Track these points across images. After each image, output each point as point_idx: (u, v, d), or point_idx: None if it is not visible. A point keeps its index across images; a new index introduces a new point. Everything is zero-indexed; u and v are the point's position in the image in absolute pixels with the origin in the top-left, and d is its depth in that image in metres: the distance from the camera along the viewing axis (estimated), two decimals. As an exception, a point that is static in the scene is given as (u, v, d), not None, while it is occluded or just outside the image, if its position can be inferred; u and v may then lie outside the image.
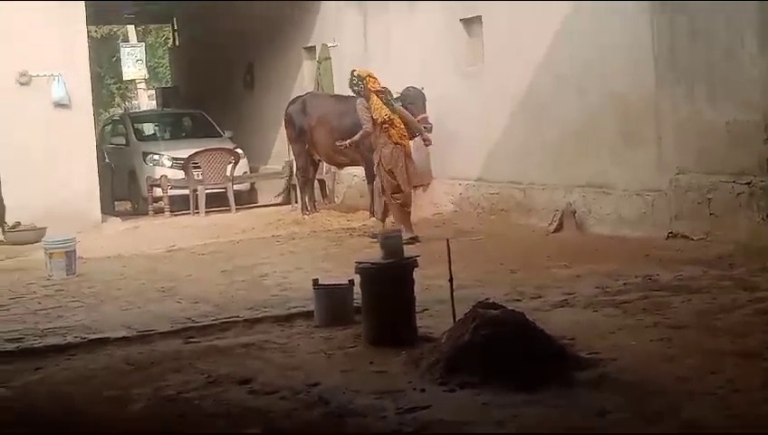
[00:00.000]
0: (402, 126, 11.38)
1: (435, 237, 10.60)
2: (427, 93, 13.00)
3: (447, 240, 6.36)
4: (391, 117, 11.29)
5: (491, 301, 5.92)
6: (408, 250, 6.89)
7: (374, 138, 11.38)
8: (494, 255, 9.88)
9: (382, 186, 11.39)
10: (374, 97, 11.35)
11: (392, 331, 6.16)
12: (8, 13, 14.00)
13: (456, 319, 5.83)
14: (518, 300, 7.35)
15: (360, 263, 6.49)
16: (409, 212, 11.44)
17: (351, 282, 6.97)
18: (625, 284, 7.74)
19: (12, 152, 12.03)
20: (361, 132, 11.47)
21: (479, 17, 12.82)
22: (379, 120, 11.24)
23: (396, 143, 11.25)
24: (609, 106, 10.70)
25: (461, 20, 13.18)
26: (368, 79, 11.44)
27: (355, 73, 11.59)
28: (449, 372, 5.21)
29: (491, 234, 11.31)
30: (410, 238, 10.53)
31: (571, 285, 7.89)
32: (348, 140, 11.94)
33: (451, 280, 6.17)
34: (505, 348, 5.18)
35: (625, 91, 10.46)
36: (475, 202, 12.91)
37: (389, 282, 6.26)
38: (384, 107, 11.32)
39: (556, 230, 11.05)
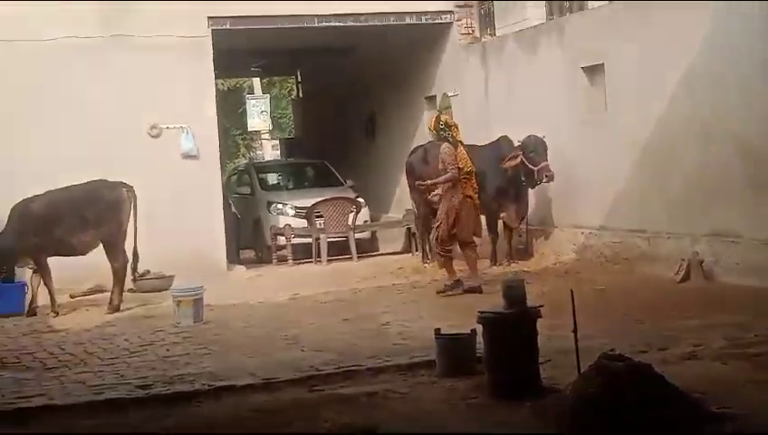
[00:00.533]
0: (475, 182, 11.68)
1: (557, 287, 10.49)
2: (549, 141, 12.96)
3: (572, 290, 6.28)
4: (474, 170, 11.58)
5: (617, 352, 5.83)
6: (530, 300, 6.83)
7: (447, 186, 11.48)
8: (618, 305, 9.72)
9: (439, 235, 11.58)
10: (461, 147, 11.55)
11: (516, 382, 6.11)
12: (141, 67, 14.52)
13: (581, 370, 5.75)
14: (644, 351, 7.20)
15: (482, 312, 6.46)
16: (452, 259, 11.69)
17: (474, 331, 6.94)
18: (756, 335, 7.52)
19: (142, 202, 12.40)
20: (447, 176, 11.44)
21: (601, 65, 12.74)
22: (465, 170, 11.44)
23: (468, 196, 11.52)
24: (736, 152, 10.47)
25: (582, 68, 13.12)
26: (454, 129, 11.64)
27: (443, 119, 11.77)
28: (575, 424, 5.13)
29: (614, 283, 11.13)
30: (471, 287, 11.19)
31: (699, 336, 7.70)
32: (429, 181, 11.99)
33: (575, 330, 6.09)
34: (634, 402, 5.08)
35: (753, 137, 10.23)
36: (598, 251, 12.74)
37: (512, 332, 6.22)
38: (469, 159, 11.55)
39: (683, 280, 10.80)
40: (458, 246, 11.78)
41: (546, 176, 12.97)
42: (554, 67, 13.71)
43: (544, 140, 13.01)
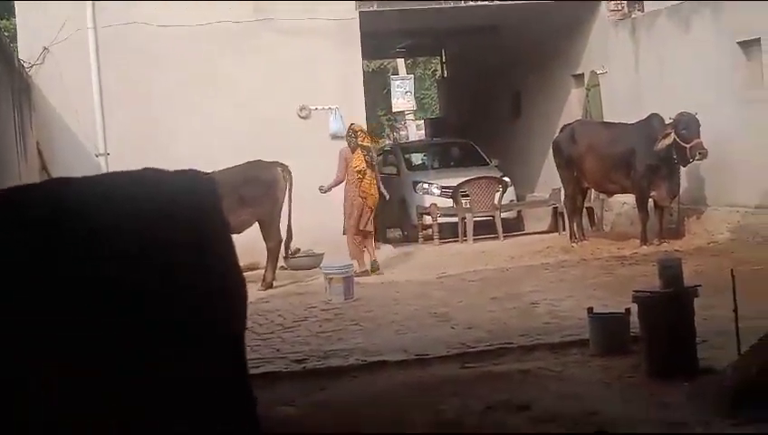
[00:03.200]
0: (374, 181, 13.25)
1: (711, 266, 10.25)
2: (703, 118, 12.63)
3: (732, 270, 6.14)
4: (365, 171, 13.06)
5: (779, 333, 5.67)
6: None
7: (348, 184, 13.16)
8: (777, 285, 9.42)
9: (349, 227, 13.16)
10: (359, 151, 13.16)
11: (673, 361, 6.01)
12: (290, 50, 14.80)
13: (741, 351, 5.63)
14: (806, 333, 6.97)
15: (637, 291, 6.38)
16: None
17: (628, 310, 6.87)
18: None
19: (295, 182, 12.73)
20: (332, 181, 13.32)
21: (758, 39, 12.34)
22: (356, 170, 13.09)
23: (361, 195, 13.06)
24: None
25: (738, 42, 12.74)
26: (360, 134, 13.34)
27: (352, 128, 13.44)
28: (736, 406, 5.03)
29: (772, 263, 10.80)
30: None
31: None
32: (326, 186, 13.39)
33: (735, 310, 5.96)
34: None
35: None
36: (754, 230, 12.37)
37: (669, 311, 6.12)
38: (363, 161, 13.10)
39: None
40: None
41: (699, 153, 12.65)
42: (708, 42, 13.36)
43: (697, 117, 12.69)
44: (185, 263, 2.79)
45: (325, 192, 13.43)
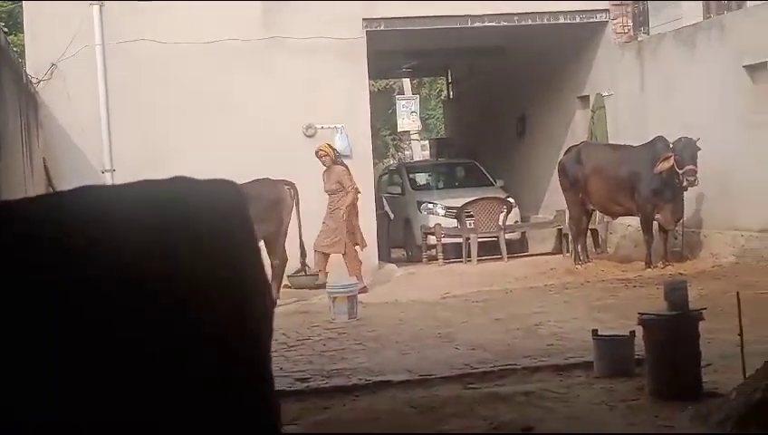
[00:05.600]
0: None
1: (715, 290, 10.24)
2: (707, 141, 12.65)
3: (738, 293, 6.14)
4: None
5: (783, 358, 5.66)
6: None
7: (339, 199, 13.14)
8: (782, 309, 9.40)
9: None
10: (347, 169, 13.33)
11: (677, 384, 6.01)
12: (297, 68, 14.86)
13: (746, 375, 5.62)
14: (812, 358, 6.96)
15: (642, 314, 6.38)
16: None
17: (633, 333, 6.86)
18: None
19: (301, 200, 12.78)
20: (353, 197, 13.19)
21: (764, 63, 12.38)
22: (355, 188, 13.34)
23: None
24: None
25: (744, 66, 12.76)
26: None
27: (331, 147, 13.54)
28: (741, 429, 5.02)
29: (777, 287, 10.79)
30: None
31: None
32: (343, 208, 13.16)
33: (741, 334, 5.96)
34: (803, 408, 4.94)
35: None
36: (759, 254, 12.37)
37: (675, 335, 6.12)
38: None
39: None
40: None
41: (687, 180, 12.72)
42: (714, 66, 13.39)
43: (696, 142, 12.71)
44: (217, 274, 2.72)
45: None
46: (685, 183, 12.80)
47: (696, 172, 12.62)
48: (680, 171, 12.75)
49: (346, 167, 13.46)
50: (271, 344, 2.99)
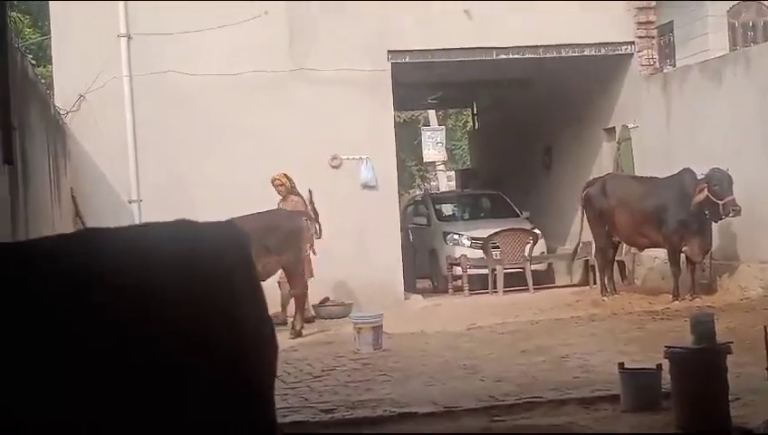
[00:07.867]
0: None
1: (744, 323, 10.15)
2: (735, 173, 12.58)
3: (765, 327, 6.09)
4: None
5: (813, 392, 5.61)
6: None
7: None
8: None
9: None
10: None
11: (705, 419, 5.95)
12: (323, 100, 14.93)
13: (775, 410, 5.57)
14: (841, 393, 6.88)
15: (669, 347, 6.33)
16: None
17: (659, 366, 6.81)
18: None
19: (324, 231, 12.78)
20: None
21: (792, 95, 12.33)
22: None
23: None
24: None
25: (772, 98, 12.72)
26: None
27: (287, 177, 13.49)
28: (770, 465, 4.97)
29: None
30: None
31: None
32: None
33: (769, 368, 5.91)
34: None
35: None
36: (788, 287, 12.27)
37: (702, 368, 6.07)
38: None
39: None
40: None
41: (733, 210, 12.60)
42: (740, 98, 13.34)
43: (729, 173, 12.65)
44: (219, 318, 2.73)
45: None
46: (731, 214, 12.69)
47: (736, 202, 12.53)
48: (721, 202, 12.66)
49: (302, 197, 13.39)
50: (274, 383, 2.99)
